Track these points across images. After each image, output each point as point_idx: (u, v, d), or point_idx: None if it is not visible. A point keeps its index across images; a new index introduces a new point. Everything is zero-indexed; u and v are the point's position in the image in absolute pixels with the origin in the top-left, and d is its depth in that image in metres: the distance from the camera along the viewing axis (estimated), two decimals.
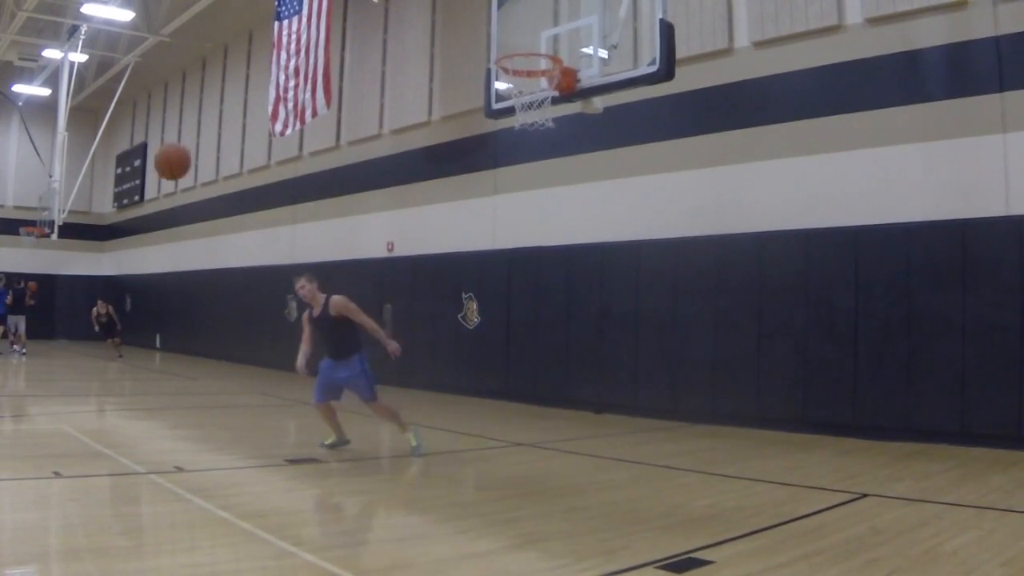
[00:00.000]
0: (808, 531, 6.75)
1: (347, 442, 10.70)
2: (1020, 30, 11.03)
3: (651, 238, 14.74)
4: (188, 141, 31.23)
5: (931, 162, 11.72)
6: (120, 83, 30.86)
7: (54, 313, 37.53)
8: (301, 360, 10.36)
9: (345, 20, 22.98)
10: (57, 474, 8.45)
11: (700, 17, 14.29)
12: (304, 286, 10.23)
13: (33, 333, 35.76)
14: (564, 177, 16.41)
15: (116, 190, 37.96)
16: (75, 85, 30.23)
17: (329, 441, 10.64)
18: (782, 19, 13.33)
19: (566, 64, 9.81)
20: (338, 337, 10.26)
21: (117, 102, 31.77)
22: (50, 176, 30.50)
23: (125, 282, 36.88)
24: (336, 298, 10.24)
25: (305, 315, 10.50)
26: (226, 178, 28.72)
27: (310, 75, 19.54)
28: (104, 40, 29.68)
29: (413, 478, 9.36)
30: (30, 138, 32.08)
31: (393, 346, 10.23)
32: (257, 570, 5.63)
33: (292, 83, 20.00)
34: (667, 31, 9.06)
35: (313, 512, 7.52)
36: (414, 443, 10.41)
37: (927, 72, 11.94)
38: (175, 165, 10.52)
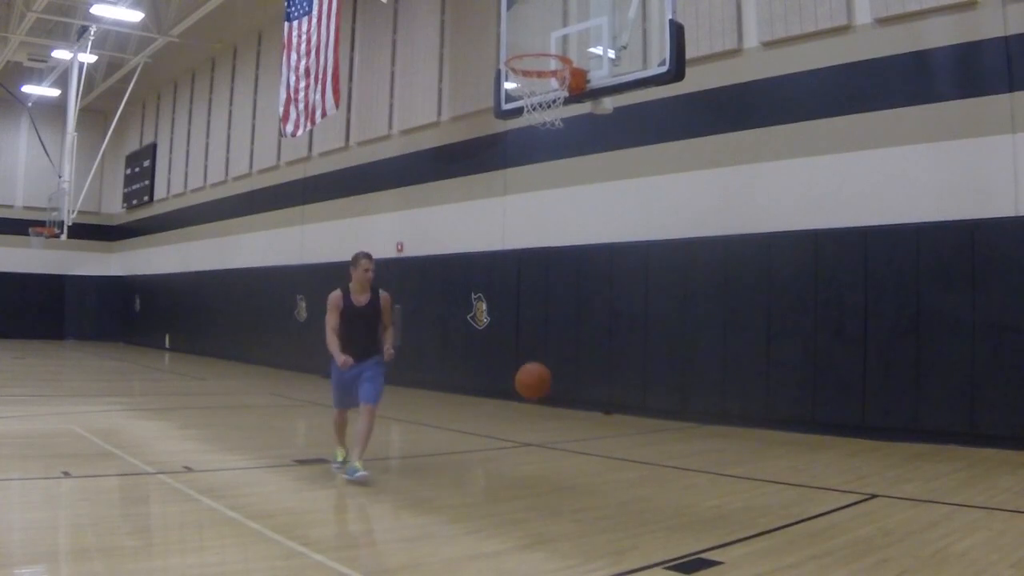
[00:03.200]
0: (817, 532, 6.74)
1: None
2: None
3: (660, 238, 14.74)
4: (197, 141, 31.38)
5: (940, 162, 11.70)
6: (129, 84, 30.99)
7: (63, 313, 37.68)
8: (342, 355, 9.09)
9: (354, 21, 23.02)
10: (66, 474, 8.47)
11: (709, 17, 14.28)
12: (372, 269, 9.40)
13: (43, 333, 36.01)
14: (573, 177, 16.41)
15: (125, 190, 38.09)
16: (84, 86, 30.31)
17: (341, 458, 9.34)
18: (791, 19, 13.32)
19: (576, 65, 9.81)
20: (375, 333, 9.38)
21: (126, 103, 31.89)
22: (59, 177, 30.63)
23: (134, 282, 36.98)
24: (385, 293, 9.48)
25: (342, 303, 9.29)
26: (235, 178, 28.77)
27: (320, 76, 19.58)
28: (113, 41, 29.80)
29: (422, 478, 9.35)
30: (39, 139, 32.23)
31: (391, 352, 9.26)
32: (266, 570, 5.64)
33: (303, 84, 20.04)
34: (677, 32, 9.06)
35: (322, 512, 7.52)
36: (341, 460, 9.37)
37: (936, 72, 11.92)
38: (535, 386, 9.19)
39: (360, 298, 9.32)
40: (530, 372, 9.28)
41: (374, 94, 22.10)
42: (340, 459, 9.33)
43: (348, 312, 9.26)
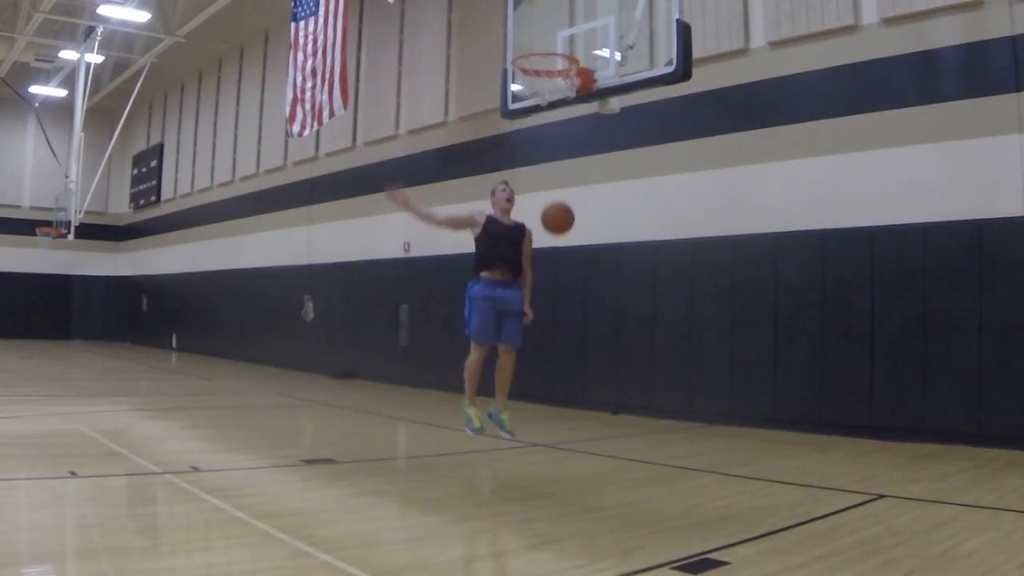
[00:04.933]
0: (824, 532, 6.73)
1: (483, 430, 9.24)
2: None
3: (667, 238, 14.73)
4: (204, 142, 31.44)
5: (947, 162, 11.68)
6: (136, 84, 31.04)
7: (71, 313, 37.77)
8: (409, 204, 9.36)
9: (361, 21, 23.03)
10: (73, 474, 8.48)
11: (716, 17, 14.27)
12: (511, 197, 9.22)
13: (50, 333, 36.08)
14: (580, 177, 16.39)
15: (132, 191, 38.15)
16: (91, 86, 30.41)
17: (479, 424, 9.13)
18: (798, 19, 13.30)
19: (583, 64, 9.79)
20: (517, 257, 9.06)
21: (133, 103, 31.94)
22: (66, 177, 30.65)
23: (141, 282, 37.04)
24: (529, 230, 9.21)
25: (483, 215, 9.19)
26: (242, 179, 28.80)
27: (327, 76, 19.57)
28: (120, 41, 29.83)
29: (428, 478, 9.35)
30: (47, 139, 32.26)
31: (529, 315, 8.94)
32: (273, 570, 5.64)
33: (309, 84, 20.04)
34: (684, 31, 9.04)
35: (329, 512, 7.52)
36: (507, 424, 9.16)
37: (943, 72, 11.90)
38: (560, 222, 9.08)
39: (506, 221, 9.19)
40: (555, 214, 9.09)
41: (381, 94, 22.10)
42: (478, 424, 9.08)
43: (492, 230, 9.08)
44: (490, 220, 9.15)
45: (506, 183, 9.35)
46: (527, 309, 8.92)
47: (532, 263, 9.17)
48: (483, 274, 8.99)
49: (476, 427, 9.08)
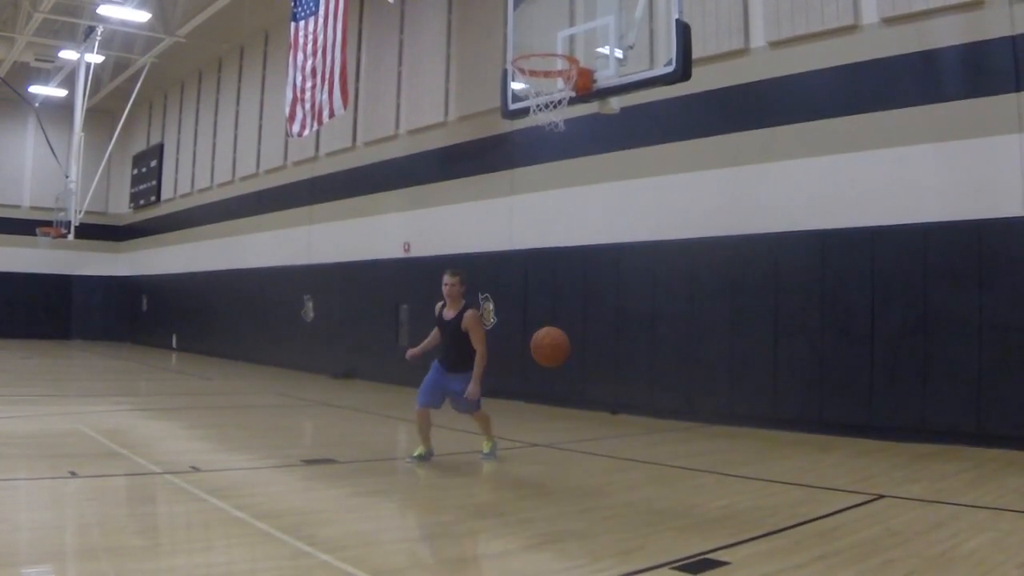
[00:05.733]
0: (824, 532, 6.73)
1: (432, 455, 10.08)
2: None
3: (667, 238, 14.72)
4: (204, 142, 31.42)
5: (947, 162, 11.67)
6: (136, 84, 31.04)
7: (71, 313, 37.76)
8: (417, 350, 10.18)
9: (361, 21, 23.02)
10: (73, 474, 8.48)
11: (716, 17, 14.26)
12: (454, 285, 9.88)
13: (49, 333, 36.07)
14: (581, 177, 16.40)
15: (132, 191, 38.14)
16: (91, 86, 30.39)
17: (417, 453, 10.01)
18: (798, 19, 13.30)
19: (582, 64, 9.80)
20: (458, 348, 9.80)
21: (133, 103, 31.94)
22: (66, 177, 30.64)
23: (141, 282, 37.03)
24: (471, 312, 9.90)
25: (438, 311, 10.09)
26: (242, 179, 28.80)
27: (327, 76, 19.56)
28: (120, 41, 29.81)
29: (428, 478, 9.35)
30: (47, 139, 32.23)
31: (472, 391, 9.68)
32: (273, 570, 5.64)
33: (309, 84, 20.02)
34: (683, 31, 9.04)
35: (329, 512, 7.52)
36: (486, 450, 10.35)
37: (943, 72, 11.89)
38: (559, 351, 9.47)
39: (448, 312, 9.94)
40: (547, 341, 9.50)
41: (381, 94, 22.10)
42: (416, 454, 10.03)
43: (438, 323, 10.06)
44: (439, 313, 10.09)
45: (450, 272, 10.01)
46: (471, 388, 9.65)
47: (482, 341, 9.81)
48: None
49: (414, 455, 10.07)
